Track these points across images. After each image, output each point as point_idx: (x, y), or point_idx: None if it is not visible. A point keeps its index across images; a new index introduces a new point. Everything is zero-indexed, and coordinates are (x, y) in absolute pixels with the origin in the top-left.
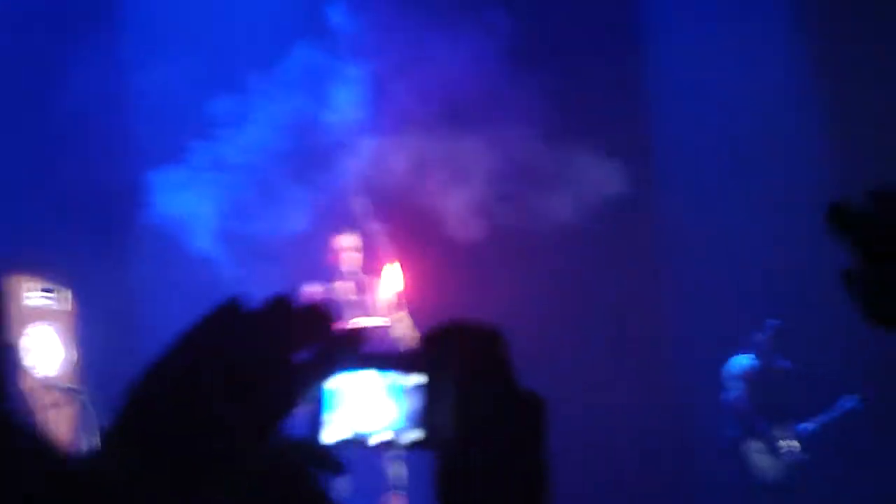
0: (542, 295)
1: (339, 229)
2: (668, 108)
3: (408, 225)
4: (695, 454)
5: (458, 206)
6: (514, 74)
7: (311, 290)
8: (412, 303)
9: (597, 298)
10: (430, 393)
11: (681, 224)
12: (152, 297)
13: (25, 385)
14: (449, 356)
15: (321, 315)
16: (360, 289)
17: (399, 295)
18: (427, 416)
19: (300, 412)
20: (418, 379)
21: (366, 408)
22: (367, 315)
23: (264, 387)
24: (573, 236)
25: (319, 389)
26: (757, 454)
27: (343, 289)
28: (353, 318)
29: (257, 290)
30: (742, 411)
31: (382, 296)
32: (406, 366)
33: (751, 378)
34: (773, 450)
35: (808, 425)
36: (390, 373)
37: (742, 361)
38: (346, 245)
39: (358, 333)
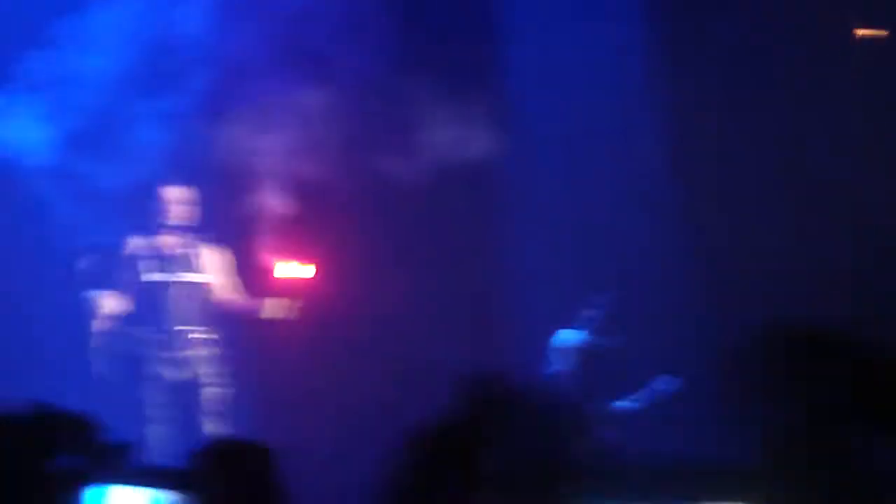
0: (375, 255)
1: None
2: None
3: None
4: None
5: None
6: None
7: (134, 242)
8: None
9: (435, 261)
10: None
11: (526, 198)
12: None
13: None
14: (217, 477)
15: (85, 424)
16: (185, 244)
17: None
18: None
19: None
20: (183, 497)
21: None
22: (188, 272)
23: (21, 496)
24: (415, 197)
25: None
26: (572, 429)
27: (167, 242)
28: (173, 272)
29: (87, 233)
30: (561, 385)
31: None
32: (172, 483)
33: (572, 353)
34: (589, 424)
35: (623, 403)
36: (156, 489)
37: (566, 336)
38: (175, 196)
39: (123, 448)
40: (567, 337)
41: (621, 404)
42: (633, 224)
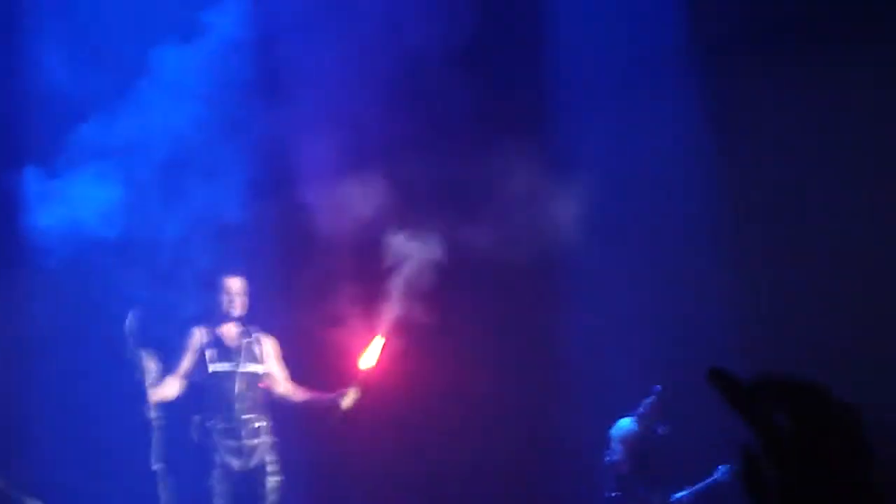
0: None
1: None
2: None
3: None
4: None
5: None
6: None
7: (200, 332)
8: None
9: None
10: None
11: (591, 283)
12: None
13: None
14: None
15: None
16: (246, 334)
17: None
18: None
19: None
20: None
21: None
22: (250, 362)
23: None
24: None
25: None
26: None
27: (230, 332)
28: (236, 362)
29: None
30: (621, 474)
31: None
32: None
33: (631, 441)
34: None
35: (682, 493)
36: None
37: (624, 424)
38: (237, 288)
39: None
40: (623, 425)
41: (680, 494)
42: (693, 311)
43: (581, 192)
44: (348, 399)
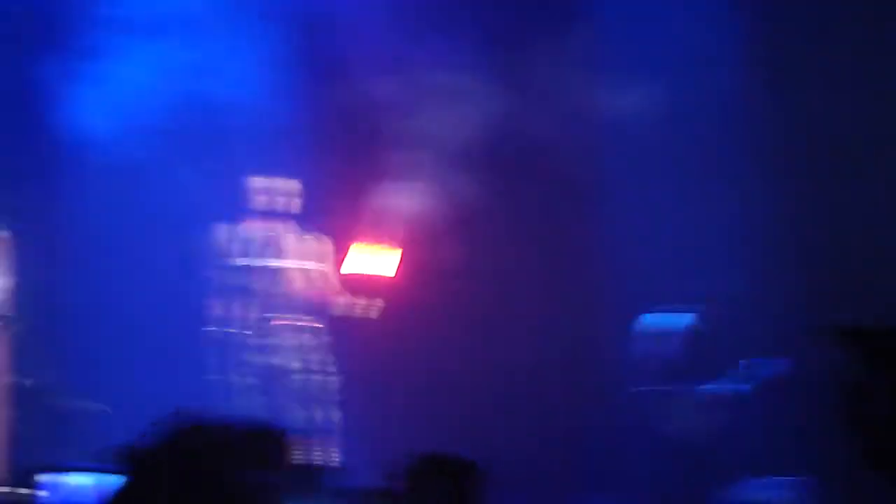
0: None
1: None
2: None
3: None
4: (611, 403)
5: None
6: None
7: (237, 228)
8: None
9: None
10: None
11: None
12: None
13: None
14: (422, 493)
15: (284, 442)
16: (297, 233)
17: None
18: None
19: None
20: None
21: None
22: (289, 258)
23: None
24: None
25: None
26: (673, 411)
27: (269, 228)
28: (266, 257)
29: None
30: (662, 368)
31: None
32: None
33: (672, 336)
34: (691, 408)
35: (728, 387)
36: None
37: (665, 319)
38: (276, 185)
39: (323, 467)
40: (664, 317)
41: (712, 387)
42: (728, 210)
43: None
44: (367, 305)
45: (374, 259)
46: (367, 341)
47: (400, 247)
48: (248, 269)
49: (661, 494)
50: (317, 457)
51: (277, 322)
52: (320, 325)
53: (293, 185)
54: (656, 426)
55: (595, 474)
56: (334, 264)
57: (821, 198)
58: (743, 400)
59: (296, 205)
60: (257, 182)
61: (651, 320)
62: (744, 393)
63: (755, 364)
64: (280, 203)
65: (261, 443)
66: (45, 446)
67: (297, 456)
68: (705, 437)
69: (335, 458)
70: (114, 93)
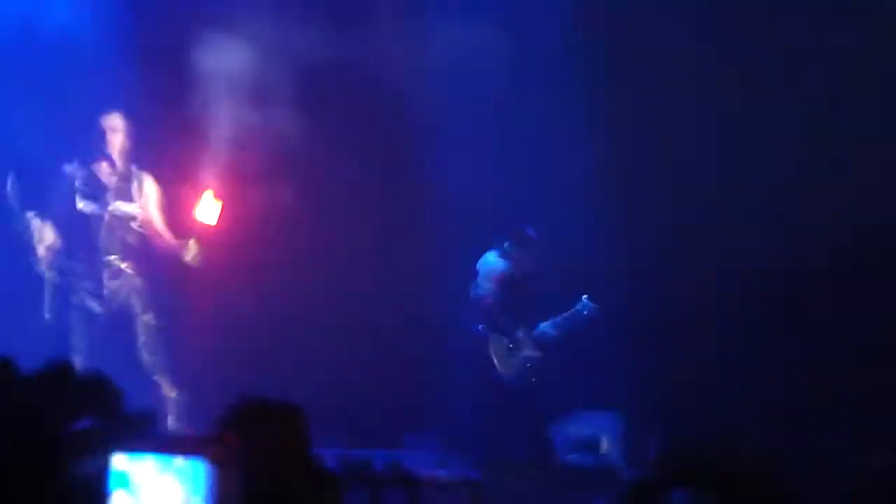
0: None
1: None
2: None
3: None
4: (442, 346)
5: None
6: None
7: (71, 168)
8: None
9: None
10: (219, 477)
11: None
12: None
13: None
14: (248, 438)
15: (102, 388)
16: (123, 175)
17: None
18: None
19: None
20: (204, 465)
21: (152, 491)
22: (126, 202)
23: (33, 461)
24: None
25: (101, 467)
26: (498, 350)
27: (105, 171)
28: (109, 203)
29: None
30: (488, 308)
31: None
32: (193, 449)
33: (499, 277)
34: (514, 347)
35: (546, 326)
36: (177, 457)
37: (492, 260)
38: (114, 125)
39: (146, 415)
40: (491, 261)
41: (544, 327)
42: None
43: None
44: (190, 251)
45: (198, 204)
46: (193, 286)
47: (221, 193)
48: (74, 212)
49: (489, 432)
50: (141, 405)
51: (104, 267)
52: (145, 270)
53: (116, 123)
54: (484, 365)
55: (424, 413)
56: (159, 208)
57: (643, 142)
58: (561, 338)
59: (118, 145)
60: (102, 121)
61: (481, 261)
62: (562, 332)
63: (574, 304)
64: (103, 143)
65: (81, 390)
66: None
67: (120, 403)
68: (525, 377)
69: (161, 405)
70: None
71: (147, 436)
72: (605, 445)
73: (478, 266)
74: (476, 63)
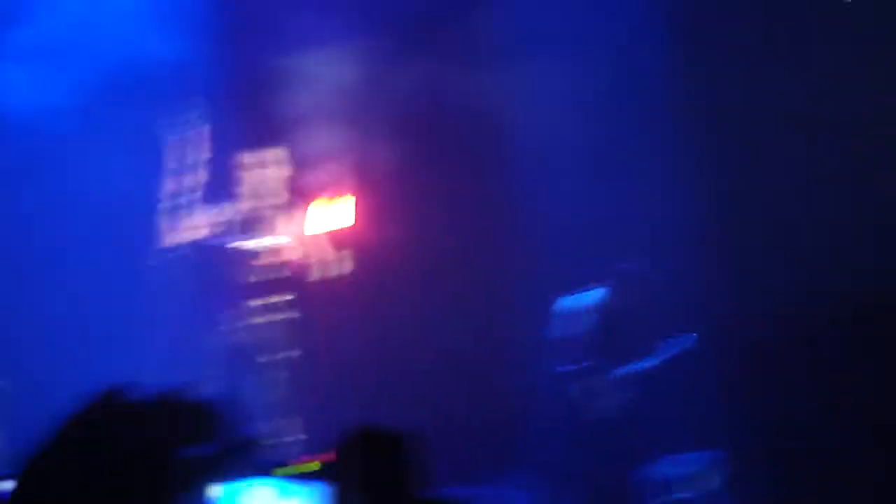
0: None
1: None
2: None
3: None
4: (528, 388)
5: None
6: None
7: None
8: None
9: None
10: (339, 501)
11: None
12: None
13: None
14: (354, 466)
15: (214, 414)
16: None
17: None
18: None
19: None
20: (323, 489)
21: None
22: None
23: (146, 485)
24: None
25: (214, 493)
26: (588, 390)
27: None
28: (255, 238)
29: None
30: (576, 346)
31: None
32: (313, 475)
33: (588, 314)
34: (605, 387)
35: (640, 365)
36: (291, 483)
37: (589, 297)
38: (267, 159)
39: (256, 441)
40: (579, 298)
41: (637, 366)
42: (641, 191)
43: None
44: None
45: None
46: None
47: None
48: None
49: (580, 473)
50: (249, 430)
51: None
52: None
53: (273, 156)
54: (573, 406)
55: (514, 453)
56: (297, 231)
57: (726, 183)
58: (653, 378)
59: (270, 178)
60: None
61: (565, 301)
62: (653, 370)
63: (665, 342)
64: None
65: (187, 415)
66: None
67: (228, 429)
68: (620, 416)
69: (268, 431)
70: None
71: (261, 462)
72: (702, 486)
73: (573, 303)
74: (574, 96)
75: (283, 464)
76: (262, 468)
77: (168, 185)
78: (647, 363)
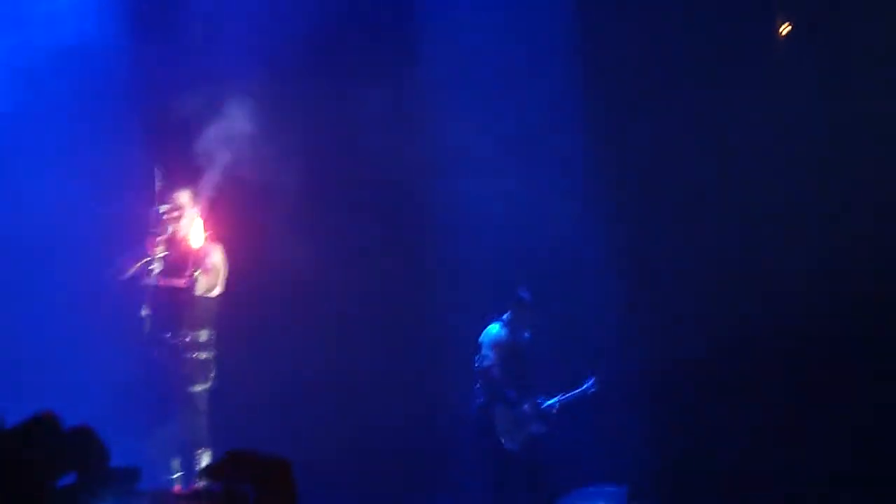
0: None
1: None
2: None
3: None
4: (444, 419)
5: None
6: None
7: None
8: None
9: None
10: None
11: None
12: None
13: None
14: (230, 493)
15: (88, 440)
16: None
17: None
18: None
19: None
20: None
21: None
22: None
23: None
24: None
25: None
26: (503, 422)
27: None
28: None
29: None
30: (492, 378)
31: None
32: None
33: (503, 348)
34: (519, 419)
35: (552, 401)
36: None
37: (496, 330)
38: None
39: (132, 470)
40: (495, 331)
41: (549, 401)
42: (559, 222)
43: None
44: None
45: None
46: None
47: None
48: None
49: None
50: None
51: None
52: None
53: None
54: (488, 436)
55: (428, 480)
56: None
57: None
58: (565, 412)
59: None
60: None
61: (485, 332)
62: (566, 405)
63: (578, 378)
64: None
65: (64, 445)
66: None
67: (105, 459)
68: (534, 448)
69: (141, 458)
70: None
71: (133, 492)
72: None
73: (481, 337)
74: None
75: (155, 493)
76: (131, 499)
77: None
78: (556, 402)
